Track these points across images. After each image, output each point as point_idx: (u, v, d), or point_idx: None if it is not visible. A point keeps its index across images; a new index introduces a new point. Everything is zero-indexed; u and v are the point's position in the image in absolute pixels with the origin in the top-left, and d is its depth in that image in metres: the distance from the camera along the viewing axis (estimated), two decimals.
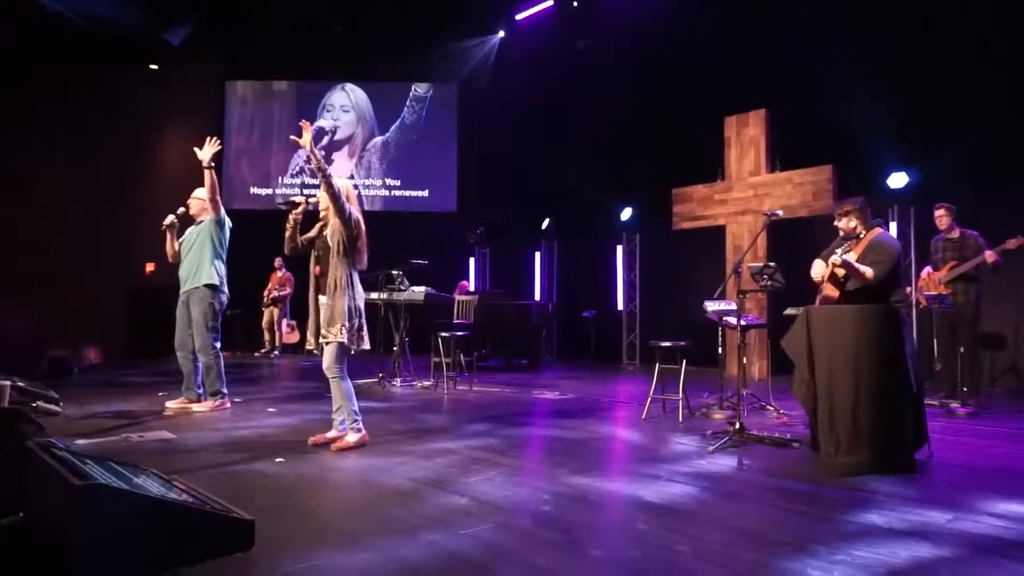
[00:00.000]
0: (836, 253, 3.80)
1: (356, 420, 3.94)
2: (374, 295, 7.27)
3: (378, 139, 13.30)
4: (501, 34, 12.25)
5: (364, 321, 3.95)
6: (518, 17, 11.70)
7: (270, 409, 5.27)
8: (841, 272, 3.91)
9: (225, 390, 5.20)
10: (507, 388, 6.89)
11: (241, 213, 8.23)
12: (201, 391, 5.16)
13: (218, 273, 5.12)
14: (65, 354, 7.25)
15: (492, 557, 2.19)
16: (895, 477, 3.25)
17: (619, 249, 10.29)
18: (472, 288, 11.99)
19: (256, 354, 10.83)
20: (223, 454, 3.69)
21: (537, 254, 11.58)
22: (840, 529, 2.49)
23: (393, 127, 13.28)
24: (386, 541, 2.32)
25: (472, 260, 12.66)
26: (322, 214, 4.05)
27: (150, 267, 10.81)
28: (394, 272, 7.03)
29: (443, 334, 6.58)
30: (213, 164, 5.02)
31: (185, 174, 12.28)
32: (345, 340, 3.81)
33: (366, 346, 3.97)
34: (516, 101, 11.65)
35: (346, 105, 13.41)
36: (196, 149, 4.99)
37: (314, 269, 4.02)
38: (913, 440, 3.56)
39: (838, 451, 3.58)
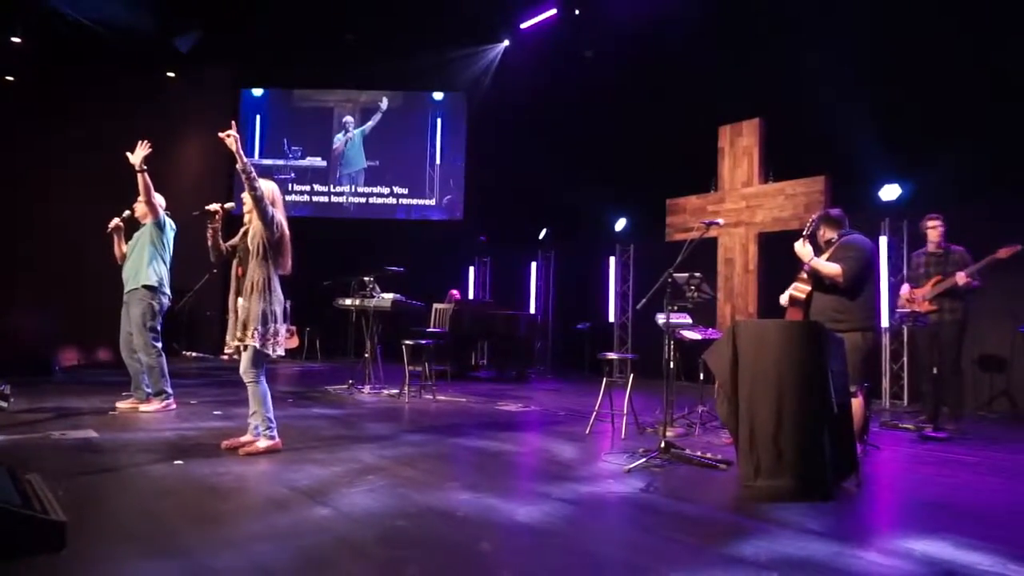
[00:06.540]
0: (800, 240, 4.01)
1: (270, 427, 3.88)
2: (347, 301, 7.26)
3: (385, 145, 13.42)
4: (506, 43, 12.21)
5: (280, 327, 3.90)
6: (523, 25, 11.64)
7: (216, 412, 5.26)
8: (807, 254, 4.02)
9: (170, 390, 5.21)
10: (473, 399, 6.76)
11: None
12: (149, 391, 5.18)
13: (157, 274, 5.15)
14: (46, 351, 7.41)
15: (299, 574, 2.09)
16: (808, 506, 3.02)
17: (612, 260, 10.08)
18: (471, 296, 11.94)
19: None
20: (130, 455, 3.66)
21: (534, 264, 11.44)
22: (698, 558, 2.30)
23: (400, 135, 13.37)
24: (204, 552, 2.22)
25: (472, 269, 12.59)
26: (246, 217, 4.03)
27: None
28: (366, 279, 6.99)
29: (407, 342, 6.50)
30: (145, 167, 5.01)
31: (201, 179, 12.64)
32: (257, 345, 3.77)
33: (281, 352, 3.93)
34: (516, 110, 11.58)
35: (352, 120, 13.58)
36: (128, 153, 4.95)
37: (236, 270, 3.99)
38: (835, 466, 3.32)
39: (758, 475, 3.37)
